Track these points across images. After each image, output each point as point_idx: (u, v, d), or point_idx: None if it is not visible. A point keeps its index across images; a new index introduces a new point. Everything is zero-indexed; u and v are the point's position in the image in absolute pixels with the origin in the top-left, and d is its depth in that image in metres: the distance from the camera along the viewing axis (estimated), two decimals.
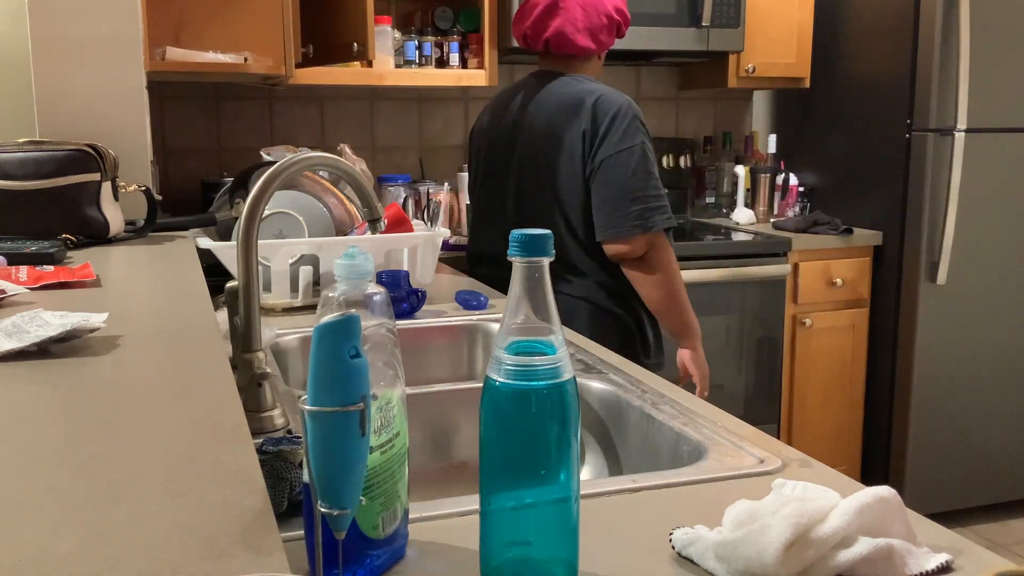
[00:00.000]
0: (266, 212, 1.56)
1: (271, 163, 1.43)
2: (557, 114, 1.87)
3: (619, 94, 1.86)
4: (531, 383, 0.65)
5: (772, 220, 3.24)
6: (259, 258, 1.35)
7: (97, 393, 0.74)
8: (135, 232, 1.75)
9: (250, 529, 0.50)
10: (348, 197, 1.90)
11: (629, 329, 1.92)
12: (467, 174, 2.20)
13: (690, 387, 1.93)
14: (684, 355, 1.97)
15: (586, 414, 1.25)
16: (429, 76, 2.85)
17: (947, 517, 2.95)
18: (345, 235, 1.82)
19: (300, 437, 0.86)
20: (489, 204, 2.02)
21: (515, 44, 2.76)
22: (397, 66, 2.86)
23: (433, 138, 3.20)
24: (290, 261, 1.70)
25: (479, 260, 2.10)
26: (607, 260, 1.87)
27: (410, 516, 0.75)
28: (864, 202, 3.08)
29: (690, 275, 2.74)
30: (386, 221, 1.78)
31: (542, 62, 2.01)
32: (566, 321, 1.80)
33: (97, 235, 1.63)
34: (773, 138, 3.34)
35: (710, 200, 3.37)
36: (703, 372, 1.97)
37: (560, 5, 1.90)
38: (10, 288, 1.10)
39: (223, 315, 1.07)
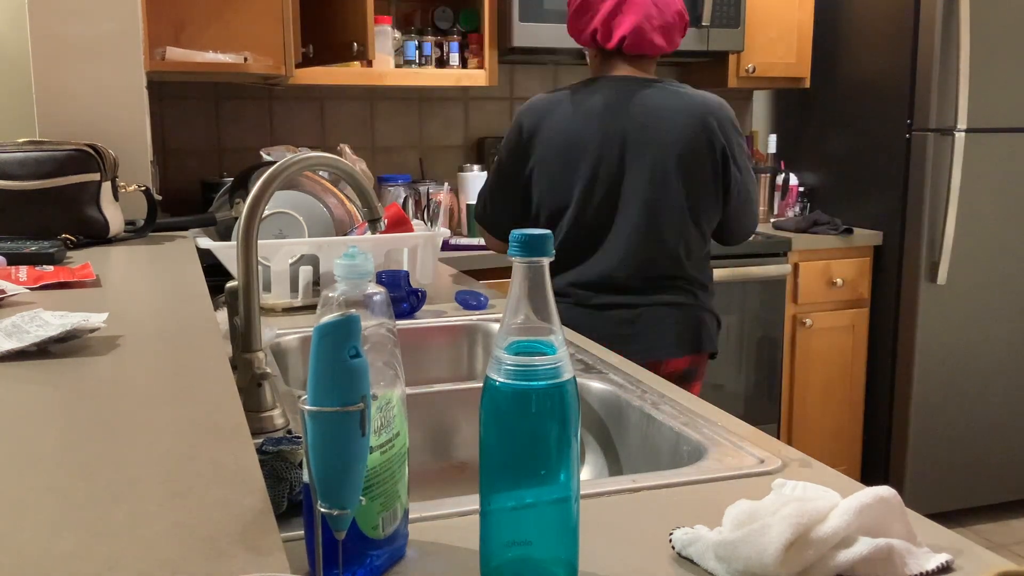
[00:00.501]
0: (266, 212, 1.56)
1: (271, 163, 1.43)
2: (684, 130, 1.80)
3: (716, 97, 1.89)
4: (531, 383, 0.65)
5: (772, 220, 3.24)
6: (259, 258, 1.35)
7: (97, 393, 0.74)
8: (135, 232, 1.75)
9: (250, 529, 0.50)
10: (348, 197, 1.90)
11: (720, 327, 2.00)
12: (496, 180, 1.94)
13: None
14: None
15: (586, 414, 1.25)
16: (429, 76, 2.85)
17: (947, 517, 2.95)
18: (345, 235, 1.82)
19: (300, 437, 0.86)
20: (591, 223, 1.84)
21: (515, 44, 2.78)
22: (397, 66, 2.86)
23: (433, 138, 3.20)
24: (290, 261, 1.70)
25: (591, 286, 1.85)
26: (707, 266, 1.93)
27: (410, 516, 0.75)
28: (864, 202, 3.08)
29: None
30: (386, 221, 1.78)
31: (607, 64, 1.90)
32: (685, 335, 1.84)
33: (97, 235, 1.63)
34: (773, 138, 3.34)
35: None
36: None
37: (628, 2, 1.82)
38: (10, 288, 1.10)
39: (223, 315, 1.07)
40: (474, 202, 2.80)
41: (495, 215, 1.94)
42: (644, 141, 1.80)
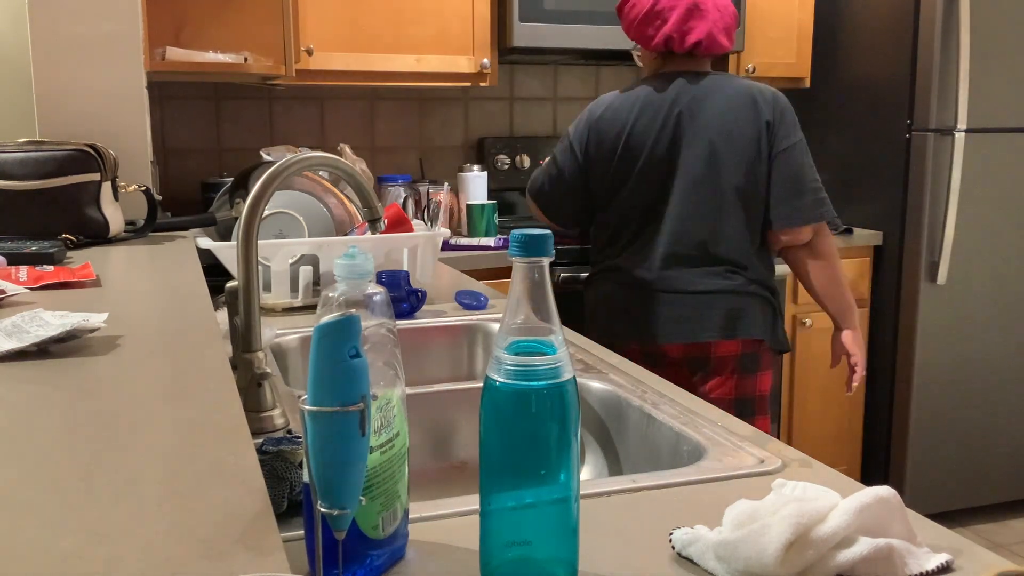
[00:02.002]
0: (266, 212, 1.56)
1: (271, 163, 1.43)
2: (734, 109, 1.91)
3: (769, 87, 1.97)
4: (531, 383, 0.65)
5: None
6: (259, 258, 1.35)
7: (97, 393, 0.74)
8: (135, 232, 1.75)
9: (250, 529, 0.50)
10: (348, 197, 1.90)
11: (780, 319, 2.01)
12: (557, 164, 2.05)
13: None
14: (846, 336, 2.05)
15: (586, 414, 1.25)
16: (429, 76, 2.84)
17: (947, 517, 2.95)
18: (345, 235, 1.82)
19: (300, 437, 0.86)
20: (634, 208, 1.96)
21: (515, 44, 2.78)
22: None
23: (433, 138, 3.20)
24: (290, 261, 1.70)
25: (620, 276, 1.99)
26: (763, 252, 1.97)
27: (410, 516, 0.75)
28: (864, 202, 3.08)
29: None
30: (386, 221, 1.78)
31: (667, 63, 2.01)
32: (732, 318, 1.91)
33: (97, 235, 1.63)
34: None
35: None
36: (863, 352, 2.07)
37: (701, 7, 1.93)
38: (10, 288, 1.10)
39: (223, 315, 1.07)
40: (474, 202, 2.81)
41: (552, 197, 2.08)
42: (695, 124, 1.91)
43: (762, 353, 1.95)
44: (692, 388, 1.92)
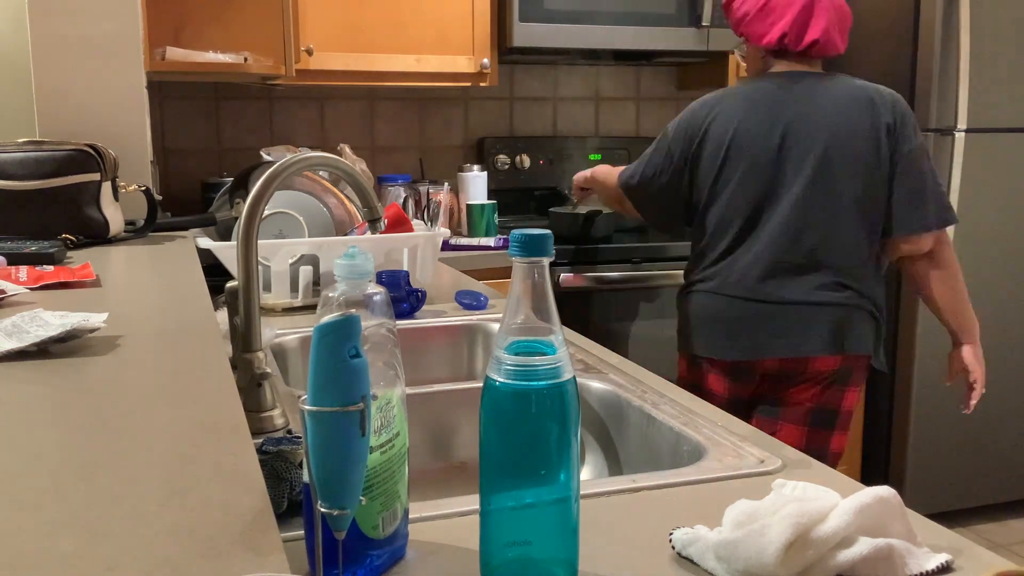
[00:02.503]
0: (266, 212, 1.56)
1: (271, 163, 1.43)
2: (849, 112, 1.83)
3: (888, 88, 1.90)
4: (531, 383, 0.65)
5: None
6: (259, 258, 1.35)
7: (97, 393, 0.74)
8: (135, 232, 1.75)
9: (250, 529, 0.50)
10: (348, 197, 1.90)
11: (883, 337, 1.91)
12: (657, 162, 1.98)
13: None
14: (967, 352, 1.95)
15: (586, 414, 1.25)
16: (429, 76, 2.85)
17: (947, 517, 2.95)
18: (345, 235, 1.82)
19: (300, 437, 0.86)
20: (737, 213, 1.86)
21: (515, 44, 2.77)
22: None
23: (433, 138, 3.20)
24: (290, 261, 1.70)
25: (718, 285, 1.88)
26: (876, 264, 1.87)
27: (410, 516, 0.75)
28: None
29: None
30: (386, 221, 1.78)
31: (776, 62, 1.94)
32: (838, 332, 1.79)
33: (97, 235, 1.63)
34: None
35: None
36: (983, 369, 1.96)
37: (817, 5, 1.87)
38: (10, 288, 1.10)
39: (223, 315, 1.07)
40: (474, 202, 2.81)
41: (646, 195, 2.01)
42: (807, 127, 1.83)
43: (857, 369, 1.86)
44: (775, 395, 1.87)
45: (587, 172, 2.34)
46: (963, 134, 2.77)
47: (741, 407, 1.89)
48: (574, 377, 0.67)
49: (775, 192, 1.83)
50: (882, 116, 1.83)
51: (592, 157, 3.23)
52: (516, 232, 0.65)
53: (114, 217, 1.67)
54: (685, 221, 2.01)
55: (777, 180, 1.83)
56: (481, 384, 0.67)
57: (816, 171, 1.81)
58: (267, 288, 1.70)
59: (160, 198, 1.91)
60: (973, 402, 1.96)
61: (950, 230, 1.97)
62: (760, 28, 1.91)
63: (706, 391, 1.90)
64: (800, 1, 1.87)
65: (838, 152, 1.81)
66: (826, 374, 1.83)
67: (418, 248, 1.82)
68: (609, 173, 2.18)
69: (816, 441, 1.88)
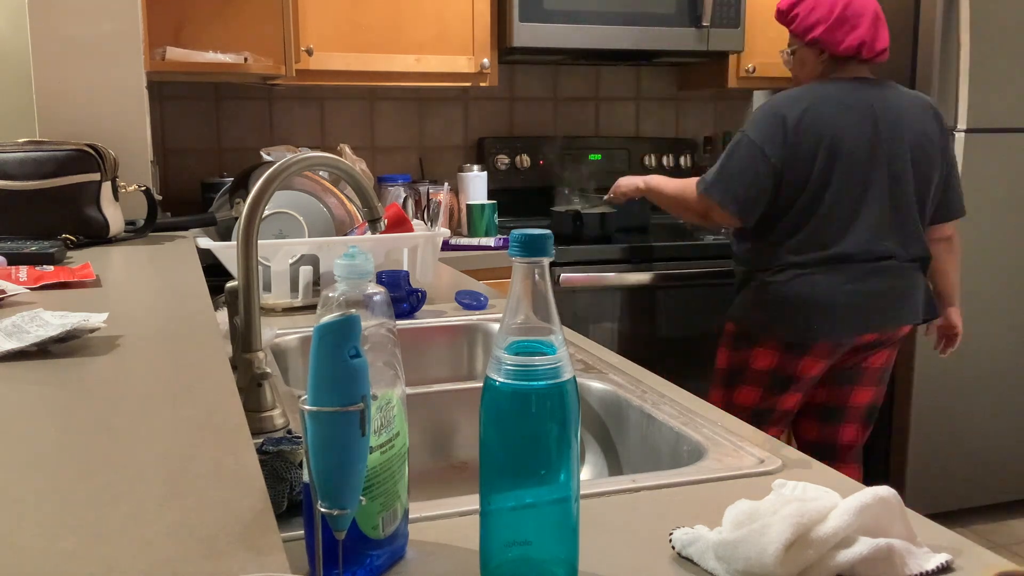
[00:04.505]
0: (266, 212, 1.56)
1: (271, 163, 1.43)
2: (922, 117, 2.12)
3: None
4: (531, 383, 0.65)
5: None
6: (259, 258, 1.35)
7: (97, 393, 0.74)
8: (135, 232, 1.75)
9: (250, 529, 0.50)
10: (348, 197, 1.90)
11: None
12: (745, 162, 2.09)
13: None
14: (955, 312, 2.33)
15: (586, 414, 1.25)
16: (429, 76, 2.85)
17: (947, 517, 2.95)
18: (345, 235, 1.82)
19: (300, 437, 0.86)
20: (833, 209, 2.07)
21: (515, 44, 2.77)
22: None
23: (433, 138, 3.20)
24: (290, 261, 1.70)
25: (818, 275, 2.08)
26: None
27: (410, 516, 0.75)
28: None
29: (691, 274, 2.74)
30: (386, 221, 1.78)
31: (841, 68, 2.13)
32: (926, 303, 2.18)
33: (97, 235, 1.63)
34: None
35: None
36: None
37: (879, 15, 2.11)
38: (10, 288, 1.10)
39: (223, 315, 1.07)
40: (474, 202, 2.81)
41: (736, 193, 2.10)
42: (896, 130, 2.07)
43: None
44: (855, 363, 2.17)
45: (638, 181, 2.44)
46: (963, 134, 2.76)
47: (814, 382, 2.18)
48: (574, 377, 0.67)
49: (867, 191, 2.06)
50: (944, 122, 2.16)
51: (592, 157, 3.23)
52: (516, 232, 0.65)
53: (114, 217, 1.67)
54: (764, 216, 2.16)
55: (871, 176, 2.06)
56: (481, 384, 0.67)
57: (902, 172, 2.08)
58: (267, 288, 1.70)
59: (160, 198, 1.91)
60: (951, 350, 2.40)
61: None
62: (837, 35, 2.09)
63: (796, 376, 2.12)
64: (871, 11, 2.09)
65: (920, 155, 2.10)
66: (899, 338, 2.18)
67: (418, 248, 1.82)
68: (668, 183, 2.33)
69: (882, 397, 2.27)
